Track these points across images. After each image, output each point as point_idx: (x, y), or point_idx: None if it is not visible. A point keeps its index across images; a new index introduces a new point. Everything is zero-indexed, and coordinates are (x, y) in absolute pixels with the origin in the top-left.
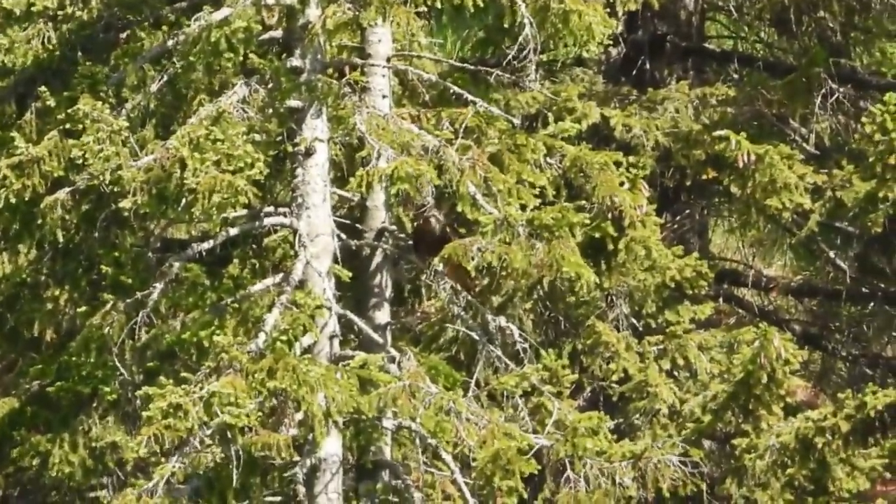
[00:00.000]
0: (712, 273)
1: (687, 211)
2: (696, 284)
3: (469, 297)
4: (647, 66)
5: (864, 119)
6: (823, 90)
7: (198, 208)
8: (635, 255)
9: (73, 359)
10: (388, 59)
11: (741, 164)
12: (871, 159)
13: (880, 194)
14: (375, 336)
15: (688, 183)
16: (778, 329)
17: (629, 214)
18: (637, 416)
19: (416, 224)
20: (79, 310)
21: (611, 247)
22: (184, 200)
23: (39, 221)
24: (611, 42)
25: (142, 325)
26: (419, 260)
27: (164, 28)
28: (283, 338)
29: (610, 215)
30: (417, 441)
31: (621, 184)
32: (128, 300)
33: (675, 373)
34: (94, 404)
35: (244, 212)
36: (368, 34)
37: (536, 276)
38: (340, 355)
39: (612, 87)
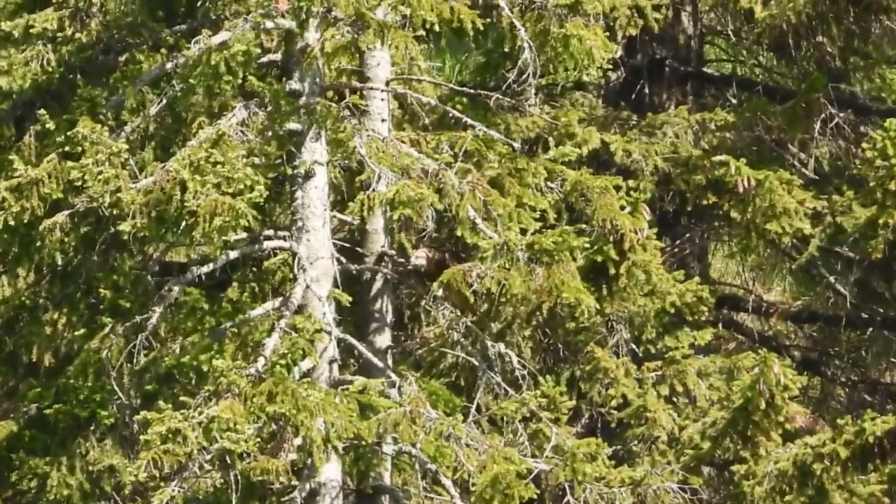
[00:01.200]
0: (713, 298)
1: (687, 235)
2: (697, 310)
3: (468, 324)
4: (647, 90)
5: (864, 145)
6: (823, 115)
7: (198, 231)
8: (636, 279)
9: (72, 382)
10: (388, 83)
11: (741, 190)
12: (871, 185)
13: (881, 220)
14: (376, 360)
15: (688, 208)
16: (777, 355)
17: (630, 238)
18: (636, 442)
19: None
20: (77, 333)
21: (612, 271)
22: (184, 223)
23: (38, 244)
24: (610, 66)
25: (140, 349)
26: (419, 285)
27: (164, 51)
28: (283, 362)
29: (611, 239)
30: (417, 466)
31: (622, 208)
32: (126, 324)
33: (674, 399)
34: (92, 427)
35: (244, 235)
36: (367, 58)
37: (536, 301)
38: (340, 380)
39: (611, 111)
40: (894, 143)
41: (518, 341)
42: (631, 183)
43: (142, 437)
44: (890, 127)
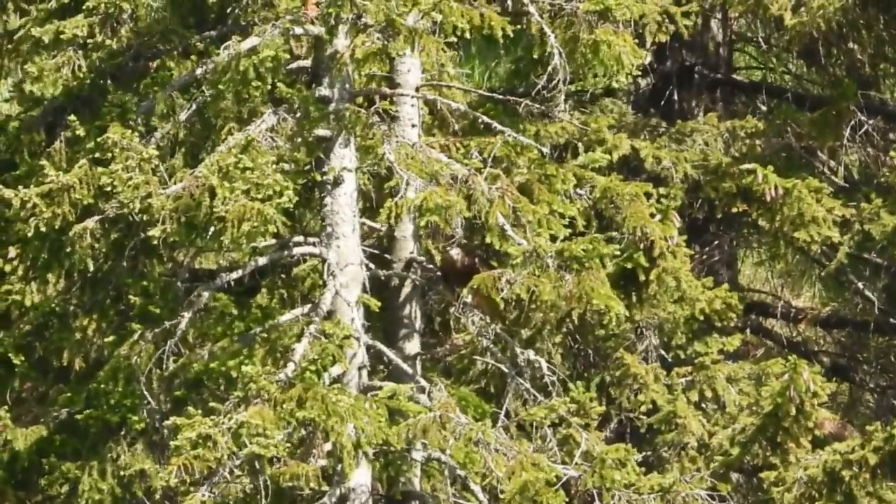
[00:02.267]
0: (741, 305)
1: (716, 242)
2: (726, 317)
3: (498, 330)
4: (676, 96)
5: (893, 153)
6: (852, 122)
7: (227, 237)
8: (666, 286)
9: (102, 387)
10: (417, 89)
11: (769, 198)
12: None
13: None
14: (405, 366)
15: (717, 215)
16: (806, 361)
17: (659, 245)
18: (665, 448)
19: (443, 256)
20: (107, 339)
21: (642, 278)
22: (213, 229)
23: (68, 250)
24: (640, 73)
25: (170, 355)
26: (448, 291)
27: (193, 57)
28: (312, 368)
29: (641, 246)
30: (447, 472)
31: (651, 215)
32: (156, 329)
33: (703, 405)
34: (123, 432)
35: (273, 241)
36: (397, 64)
37: (566, 308)
38: (369, 386)
39: (641, 118)
40: None
41: (548, 348)
42: (661, 190)
43: (172, 443)
44: None
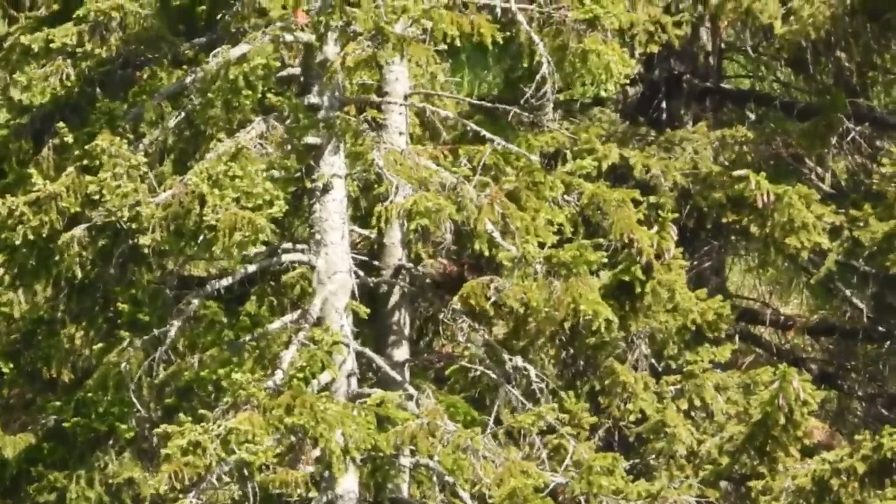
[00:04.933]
0: (732, 314)
1: (705, 249)
2: (717, 327)
3: (487, 337)
4: (665, 105)
5: (883, 160)
6: (840, 129)
7: (218, 246)
8: (660, 297)
9: (90, 396)
10: (406, 97)
11: (760, 205)
12: (889, 199)
13: None
14: (393, 373)
15: (707, 224)
16: (795, 369)
17: (647, 252)
18: (654, 456)
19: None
20: (95, 347)
21: (638, 290)
22: (203, 238)
23: (56, 258)
24: (628, 82)
25: (159, 363)
26: (436, 298)
27: (183, 65)
28: (301, 375)
29: (628, 252)
30: (435, 479)
31: (639, 221)
32: (145, 337)
33: (692, 413)
34: (111, 441)
35: (262, 248)
36: (386, 72)
37: (559, 319)
38: (358, 392)
39: (630, 126)
40: None
41: (540, 357)
42: (652, 199)
43: (162, 451)
44: None
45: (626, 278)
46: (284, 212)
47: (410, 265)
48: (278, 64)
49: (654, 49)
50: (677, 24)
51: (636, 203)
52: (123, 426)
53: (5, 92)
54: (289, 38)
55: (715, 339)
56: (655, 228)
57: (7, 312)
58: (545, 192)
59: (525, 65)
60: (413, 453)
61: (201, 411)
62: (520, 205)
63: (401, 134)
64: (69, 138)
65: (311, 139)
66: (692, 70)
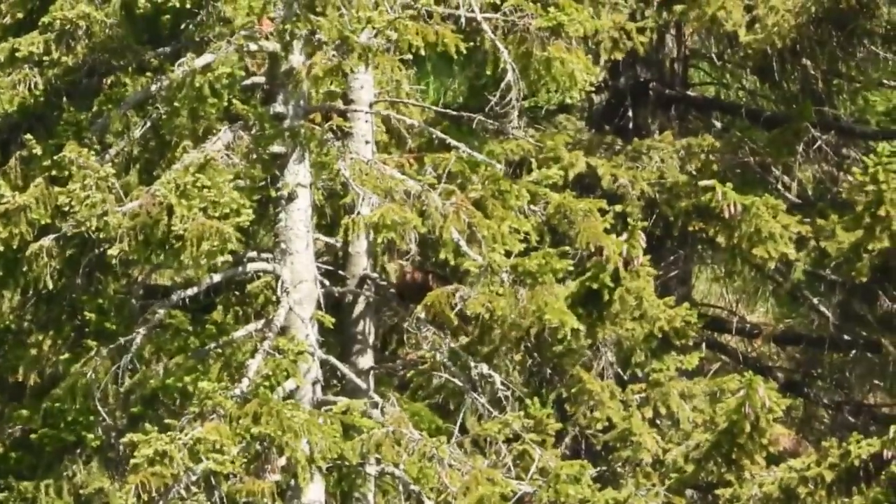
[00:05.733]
0: (699, 322)
1: (671, 258)
2: (684, 335)
3: (452, 345)
4: (631, 112)
5: (854, 169)
6: (806, 138)
7: (186, 256)
8: (627, 305)
9: (58, 405)
10: (371, 105)
11: (727, 215)
12: (859, 209)
13: (869, 246)
14: (359, 381)
15: (674, 233)
16: (761, 377)
17: (614, 260)
18: (620, 464)
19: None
20: (62, 357)
21: (606, 297)
22: (171, 247)
23: (25, 268)
24: (593, 89)
25: (125, 371)
26: (401, 307)
27: (148, 74)
28: (267, 383)
29: (595, 261)
30: (401, 487)
31: (606, 231)
32: (111, 346)
33: (658, 422)
34: (79, 450)
35: (228, 258)
36: (351, 80)
37: (525, 327)
38: (323, 401)
39: (596, 134)
40: (885, 168)
41: (506, 364)
42: (618, 208)
43: (130, 461)
44: (882, 153)
45: (595, 286)
46: (250, 221)
47: (376, 275)
48: (243, 73)
49: (619, 56)
50: (641, 31)
51: (603, 213)
52: (90, 435)
53: None
54: (253, 47)
55: (682, 346)
56: (625, 236)
57: None
58: (511, 200)
59: (490, 72)
60: (379, 462)
61: (167, 420)
62: (486, 213)
63: (367, 142)
64: (37, 150)
65: (276, 148)
66: (658, 77)
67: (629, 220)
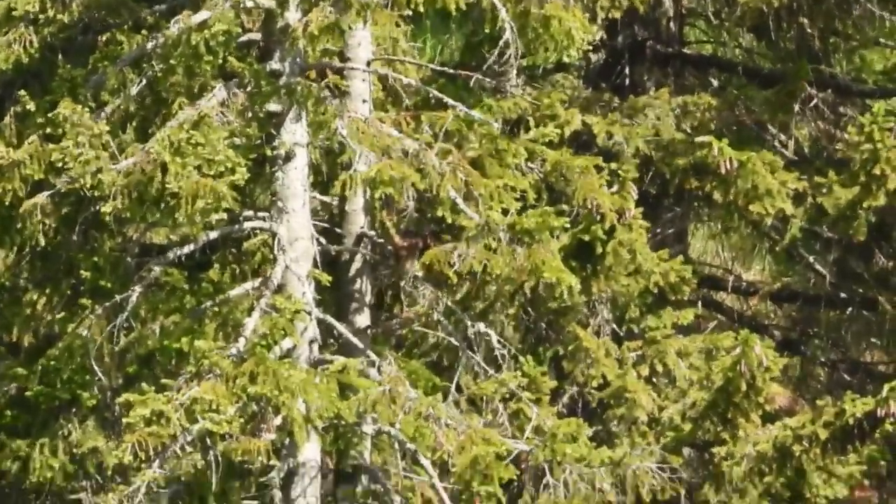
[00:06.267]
0: (695, 280)
1: (667, 216)
2: (680, 290)
3: (449, 304)
4: (628, 71)
5: (849, 128)
6: (802, 96)
7: (180, 213)
8: (621, 259)
9: (53, 364)
10: (369, 63)
11: (724, 171)
12: (855, 167)
13: (865, 203)
14: (355, 340)
15: (670, 190)
16: (757, 335)
17: (610, 218)
18: (616, 422)
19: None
20: (58, 316)
21: (599, 250)
22: (166, 205)
23: (19, 225)
24: (591, 48)
25: (121, 330)
26: (398, 265)
27: (144, 31)
28: (263, 342)
29: (600, 220)
30: (397, 446)
31: (601, 187)
32: (106, 304)
33: (654, 379)
34: (74, 409)
35: (224, 216)
36: (348, 38)
37: (518, 281)
38: (320, 359)
39: (593, 93)
40: (881, 127)
41: (501, 321)
42: (613, 165)
43: (125, 420)
44: (877, 111)
45: (587, 238)
46: (246, 179)
47: (373, 233)
48: (239, 30)
49: (617, 15)
50: None
51: (599, 170)
52: (86, 394)
53: None
54: (249, 3)
55: (677, 302)
56: (615, 188)
57: None
58: (508, 159)
59: (487, 30)
60: (375, 421)
61: (164, 380)
62: (483, 172)
63: (364, 101)
64: (31, 106)
65: (272, 106)
66: (655, 36)
67: (620, 172)
